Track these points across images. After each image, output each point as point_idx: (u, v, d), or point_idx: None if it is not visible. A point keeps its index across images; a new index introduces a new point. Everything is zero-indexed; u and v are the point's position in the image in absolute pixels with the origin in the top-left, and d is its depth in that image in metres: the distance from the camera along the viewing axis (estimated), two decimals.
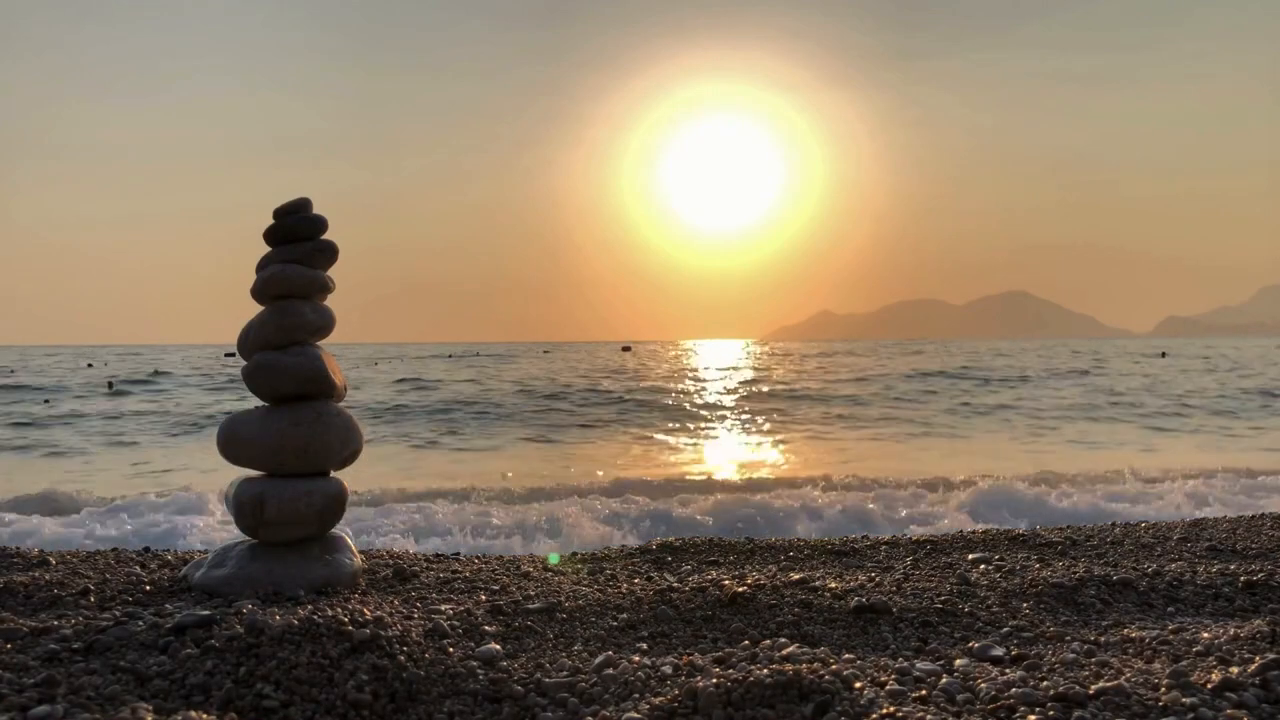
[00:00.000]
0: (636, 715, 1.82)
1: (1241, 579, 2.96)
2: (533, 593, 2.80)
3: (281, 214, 2.86)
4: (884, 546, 3.73)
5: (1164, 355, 44.97)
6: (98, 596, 2.62)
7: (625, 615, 2.60)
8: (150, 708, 1.77)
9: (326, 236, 2.88)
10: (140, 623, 2.22)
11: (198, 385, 25.00)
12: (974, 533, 4.09)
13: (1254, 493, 7.92)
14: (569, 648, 2.33)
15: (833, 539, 3.91)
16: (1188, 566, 3.20)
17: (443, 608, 2.53)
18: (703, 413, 17.71)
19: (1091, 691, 1.83)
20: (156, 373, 28.23)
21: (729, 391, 22.94)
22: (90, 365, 39.43)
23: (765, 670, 1.94)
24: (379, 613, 2.29)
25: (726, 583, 2.86)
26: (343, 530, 2.94)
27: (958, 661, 2.14)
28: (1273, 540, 3.78)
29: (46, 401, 19.86)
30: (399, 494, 7.86)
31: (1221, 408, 17.91)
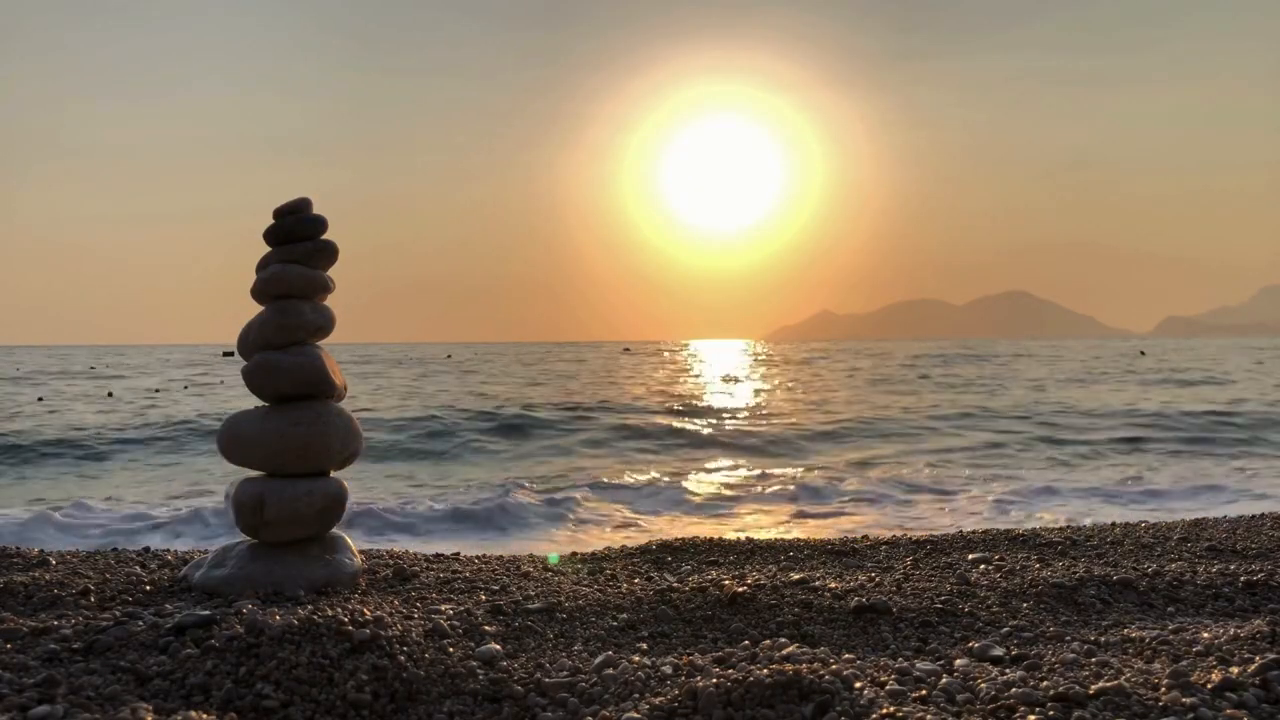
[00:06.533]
0: (636, 715, 1.82)
1: (1241, 579, 2.96)
2: (533, 593, 2.80)
3: (281, 214, 2.86)
4: (884, 546, 3.73)
5: (1143, 354, 46.43)
6: (98, 596, 2.62)
7: (625, 615, 2.60)
8: (150, 708, 1.77)
9: (326, 236, 2.88)
10: (140, 623, 2.22)
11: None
12: (974, 533, 4.09)
13: None
14: (569, 648, 2.33)
15: (833, 539, 3.91)
16: (1188, 566, 3.20)
17: (443, 608, 2.53)
18: None
19: (1091, 691, 1.83)
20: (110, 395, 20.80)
21: None
22: (93, 367, 39.47)
23: (765, 670, 1.94)
24: (379, 613, 2.29)
25: (726, 583, 2.86)
26: (342, 530, 2.94)
27: (958, 661, 2.14)
28: (1273, 540, 3.77)
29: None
30: None
31: None
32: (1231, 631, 2.33)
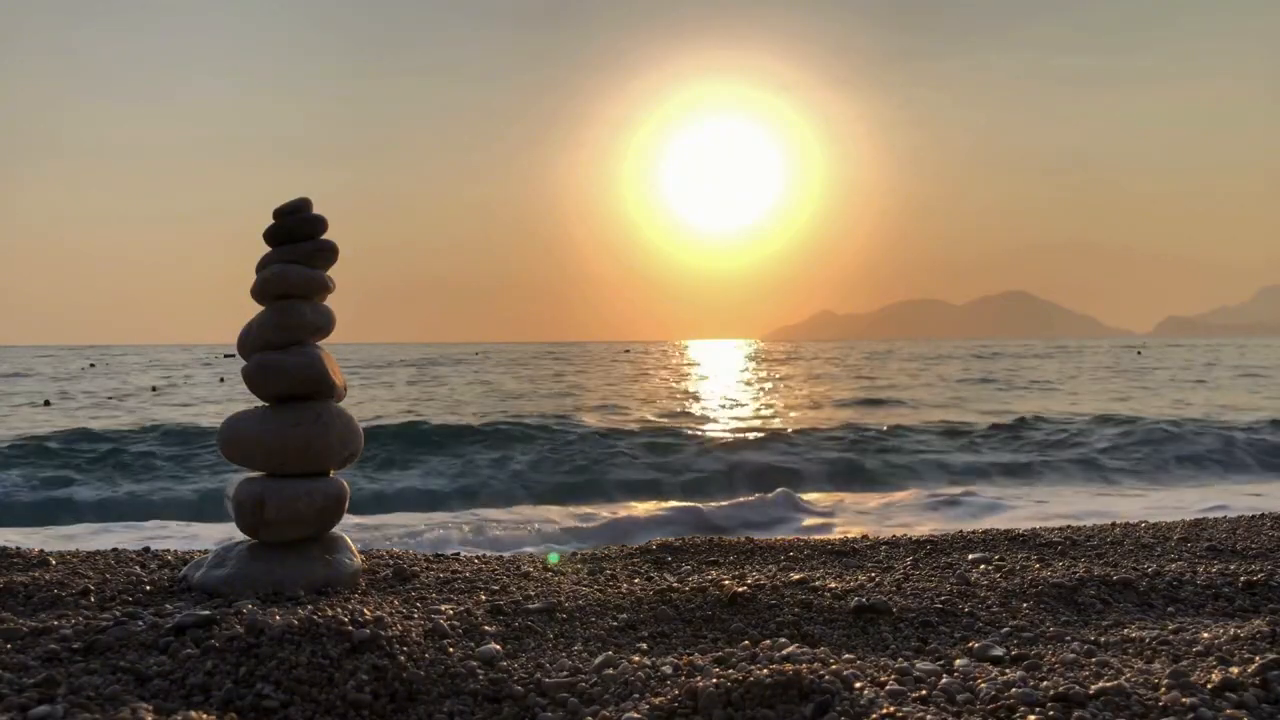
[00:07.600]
0: (636, 715, 1.82)
1: (1241, 579, 2.96)
2: (533, 593, 2.80)
3: (281, 214, 2.86)
4: (884, 546, 3.73)
5: (1139, 352, 47.37)
6: (98, 596, 2.62)
7: (625, 615, 2.60)
8: (150, 708, 1.77)
9: (327, 236, 2.88)
10: (140, 623, 2.22)
11: None
12: (974, 533, 4.09)
13: None
14: (569, 648, 2.33)
15: (832, 539, 3.91)
16: (1188, 566, 3.20)
17: (443, 608, 2.53)
18: None
19: (1091, 691, 1.83)
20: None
21: None
22: (92, 365, 39.50)
23: (765, 670, 1.94)
24: (379, 613, 2.29)
25: (726, 583, 2.86)
26: (343, 530, 2.94)
27: (958, 661, 2.14)
28: (1273, 540, 3.77)
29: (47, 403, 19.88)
30: None
31: None
32: (1231, 631, 2.33)
